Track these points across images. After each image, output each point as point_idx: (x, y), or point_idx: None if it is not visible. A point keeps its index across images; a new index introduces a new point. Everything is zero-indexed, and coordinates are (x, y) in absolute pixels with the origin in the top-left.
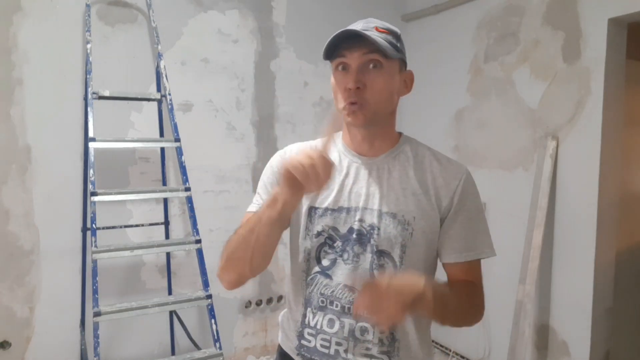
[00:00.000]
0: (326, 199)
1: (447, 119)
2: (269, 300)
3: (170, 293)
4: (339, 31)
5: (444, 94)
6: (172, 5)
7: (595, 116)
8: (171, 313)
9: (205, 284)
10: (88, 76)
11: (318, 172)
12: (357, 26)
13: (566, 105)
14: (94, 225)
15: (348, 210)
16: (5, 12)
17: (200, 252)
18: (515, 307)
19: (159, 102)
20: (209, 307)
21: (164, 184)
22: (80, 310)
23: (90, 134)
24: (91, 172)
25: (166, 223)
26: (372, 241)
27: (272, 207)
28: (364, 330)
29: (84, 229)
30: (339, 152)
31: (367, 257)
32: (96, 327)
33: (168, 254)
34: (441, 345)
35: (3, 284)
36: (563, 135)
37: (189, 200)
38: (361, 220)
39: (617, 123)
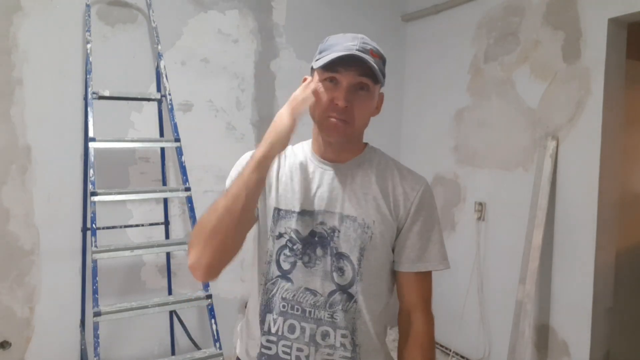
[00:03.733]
0: (290, 201)
1: (447, 119)
2: None
3: (170, 293)
4: (344, 53)
5: (444, 94)
6: (172, 5)
7: (595, 116)
8: (171, 313)
9: (205, 284)
10: (88, 76)
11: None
12: (353, 43)
13: (566, 105)
14: (94, 225)
15: (311, 213)
16: (5, 12)
17: None
18: (515, 307)
19: (159, 102)
20: (209, 307)
21: (164, 184)
22: (80, 310)
23: (90, 134)
24: (91, 172)
25: (166, 223)
26: (331, 243)
27: (260, 165)
28: (325, 335)
29: (84, 229)
30: (307, 157)
31: (327, 260)
32: (96, 327)
33: (168, 254)
34: (441, 345)
35: (3, 284)
36: (563, 135)
37: (189, 200)
38: (322, 223)
39: (617, 123)
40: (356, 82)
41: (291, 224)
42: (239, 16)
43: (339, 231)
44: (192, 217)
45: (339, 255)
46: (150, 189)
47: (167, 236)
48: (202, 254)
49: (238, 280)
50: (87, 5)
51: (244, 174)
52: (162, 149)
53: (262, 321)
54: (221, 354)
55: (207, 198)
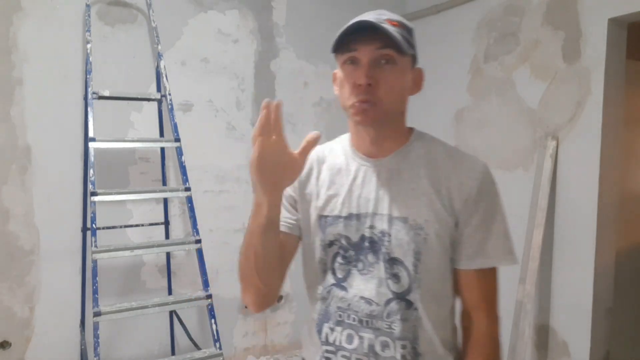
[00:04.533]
0: (335, 206)
1: (447, 119)
2: None
3: (170, 293)
4: (352, 22)
5: (444, 94)
6: (172, 5)
7: (595, 116)
8: (171, 313)
9: (205, 284)
10: (88, 76)
11: (266, 121)
12: (368, 17)
13: (566, 105)
14: (94, 225)
15: (358, 216)
16: (5, 12)
17: (200, 252)
18: (515, 307)
19: (159, 102)
20: (209, 307)
21: (164, 184)
22: (80, 310)
23: (90, 134)
24: (91, 172)
25: (166, 223)
26: (383, 249)
27: (257, 214)
28: (384, 345)
29: (84, 229)
30: (347, 155)
31: (381, 266)
32: (96, 327)
33: (168, 254)
34: None
35: (3, 284)
36: (563, 135)
37: (189, 200)
38: (372, 227)
39: (617, 123)
40: (378, 55)
41: (340, 230)
42: (239, 16)
43: (389, 235)
44: (192, 217)
45: (393, 261)
46: (150, 189)
47: (167, 236)
48: (244, 294)
49: (238, 280)
50: (87, 5)
51: (249, 225)
52: (162, 149)
53: (319, 331)
54: (221, 354)
55: (207, 198)
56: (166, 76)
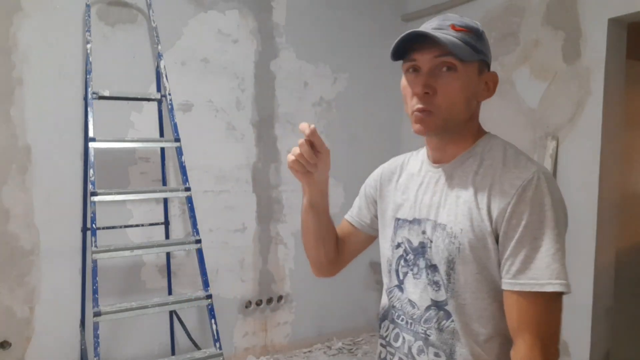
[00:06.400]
0: (406, 210)
1: None
2: (269, 300)
3: (170, 293)
4: (406, 32)
5: None
6: (172, 5)
7: (595, 116)
8: (171, 313)
9: (205, 284)
10: (88, 76)
11: (301, 153)
12: (431, 24)
13: (566, 105)
14: (94, 225)
15: (419, 221)
16: (5, 12)
17: (200, 252)
18: None
19: (159, 102)
20: (209, 307)
21: (164, 184)
22: (80, 310)
23: (90, 134)
24: (91, 172)
25: (166, 223)
26: (426, 255)
27: (304, 196)
28: (420, 350)
29: (84, 229)
30: (422, 161)
31: (426, 272)
32: (96, 327)
33: (168, 254)
34: None
35: (3, 284)
36: (563, 135)
37: (189, 200)
38: (424, 232)
39: (617, 123)
40: (438, 63)
41: (405, 234)
42: (239, 16)
43: (431, 241)
44: (192, 217)
45: (433, 268)
46: (150, 189)
47: (167, 236)
48: (309, 260)
49: (238, 280)
50: (87, 5)
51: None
52: (162, 149)
53: (380, 325)
54: (221, 354)
55: (207, 198)
56: (166, 76)
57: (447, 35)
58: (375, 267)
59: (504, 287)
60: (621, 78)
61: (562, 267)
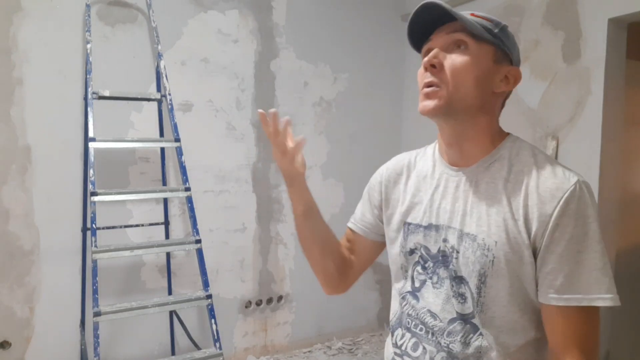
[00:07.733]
0: (418, 214)
1: None
2: (269, 300)
3: (170, 293)
4: (421, 4)
5: None
6: (172, 5)
7: (595, 116)
8: (171, 313)
9: (205, 284)
10: (88, 76)
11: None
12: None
13: (566, 105)
14: (94, 225)
15: (437, 228)
16: (5, 12)
17: (200, 252)
18: None
19: (159, 102)
20: (209, 307)
21: (164, 184)
22: (80, 310)
23: (90, 134)
24: (91, 172)
25: (166, 223)
26: (451, 265)
27: (295, 210)
28: None
29: (84, 229)
30: (435, 161)
31: (449, 283)
32: (96, 327)
33: (168, 254)
34: None
35: (3, 284)
36: (563, 135)
37: (189, 200)
38: (445, 240)
39: (617, 123)
40: (449, 41)
41: (420, 240)
42: (239, 16)
43: (457, 251)
44: (192, 217)
45: (459, 280)
46: (150, 189)
47: (167, 236)
48: (319, 278)
49: (238, 280)
50: (87, 5)
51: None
52: (162, 149)
53: (392, 333)
54: (221, 354)
55: (207, 198)
56: (166, 76)
57: (463, 14)
58: (375, 267)
59: (546, 301)
60: (621, 78)
61: (611, 280)
